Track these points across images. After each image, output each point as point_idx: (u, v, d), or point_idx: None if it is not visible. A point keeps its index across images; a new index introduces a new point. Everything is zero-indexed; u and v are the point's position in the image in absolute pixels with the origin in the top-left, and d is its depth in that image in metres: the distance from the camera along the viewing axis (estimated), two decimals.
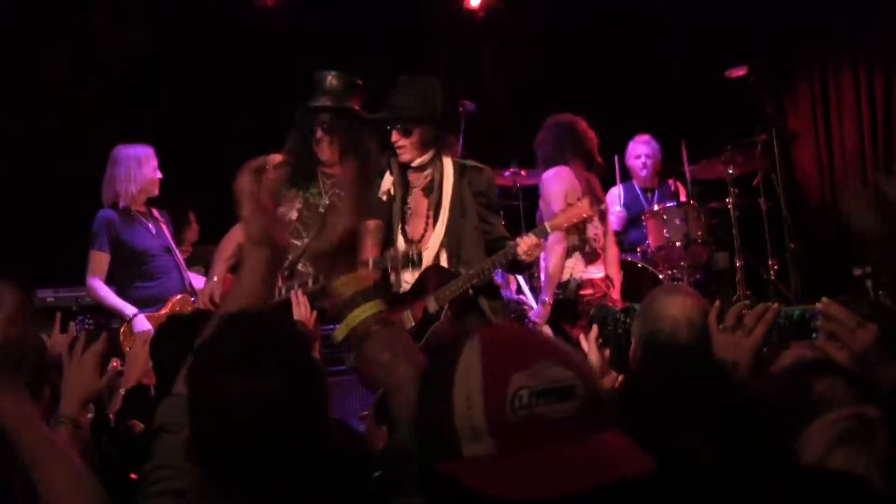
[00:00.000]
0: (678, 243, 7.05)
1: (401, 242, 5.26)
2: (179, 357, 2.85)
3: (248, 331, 1.83)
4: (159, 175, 6.12)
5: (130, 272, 6.02)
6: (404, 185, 5.30)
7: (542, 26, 8.68)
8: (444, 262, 5.24)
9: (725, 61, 7.45)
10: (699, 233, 7.07)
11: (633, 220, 7.57)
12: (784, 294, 7.18)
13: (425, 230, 5.27)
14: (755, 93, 7.13)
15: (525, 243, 4.98)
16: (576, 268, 6.10)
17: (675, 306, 3.09)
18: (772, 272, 7.25)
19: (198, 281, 6.30)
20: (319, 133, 5.47)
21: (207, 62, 8.17)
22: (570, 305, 6.08)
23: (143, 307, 5.91)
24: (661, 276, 6.79)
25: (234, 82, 8.10)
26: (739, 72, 7.26)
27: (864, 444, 1.79)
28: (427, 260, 5.25)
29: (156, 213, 6.22)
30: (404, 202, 5.30)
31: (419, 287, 5.19)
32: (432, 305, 5.13)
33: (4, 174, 7.69)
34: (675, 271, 7.12)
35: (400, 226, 5.27)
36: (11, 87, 7.81)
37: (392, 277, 5.24)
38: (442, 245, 5.25)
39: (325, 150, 5.49)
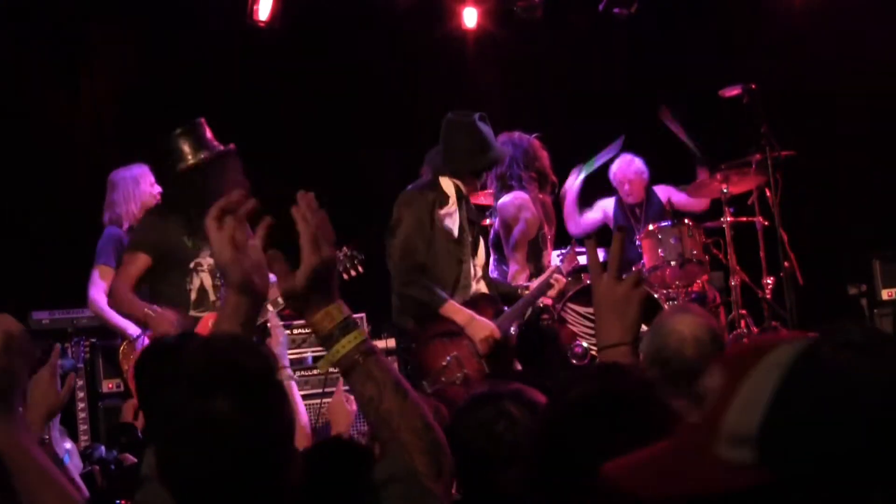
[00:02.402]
0: (673, 262, 7.06)
1: (468, 269, 5.50)
2: (163, 381, 2.85)
3: (207, 354, 1.83)
4: (158, 189, 6.12)
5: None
6: (464, 214, 5.51)
7: (535, 46, 8.71)
8: (484, 289, 5.55)
9: (719, 81, 7.47)
10: (694, 252, 7.08)
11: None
12: (779, 313, 7.18)
13: (474, 258, 5.51)
14: (749, 112, 7.15)
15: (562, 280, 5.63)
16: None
17: (683, 324, 3.18)
18: (767, 291, 7.25)
19: None
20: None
21: (201, 82, 8.18)
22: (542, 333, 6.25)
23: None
24: (656, 296, 6.79)
25: (227, 102, 8.10)
26: (733, 91, 7.27)
27: None
28: (476, 287, 5.54)
29: None
30: (464, 231, 5.51)
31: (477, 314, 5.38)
32: (498, 334, 5.35)
33: (1, 195, 7.68)
34: (670, 291, 7.12)
35: (466, 254, 5.50)
36: (7, 112, 7.81)
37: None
38: (484, 274, 5.49)
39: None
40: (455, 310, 5.27)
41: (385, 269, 6.04)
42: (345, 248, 5.75)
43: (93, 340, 6.54)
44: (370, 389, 1.95)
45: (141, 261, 5.28)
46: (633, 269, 7.26)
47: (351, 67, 8.63)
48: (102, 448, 3.63)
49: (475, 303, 5.41)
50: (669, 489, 1.25)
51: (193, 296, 5.31)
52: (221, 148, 5.29)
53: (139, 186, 6.15)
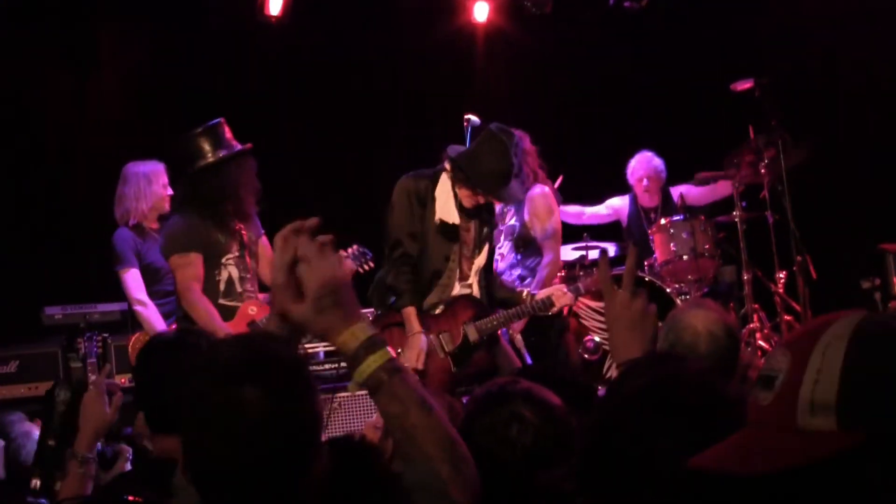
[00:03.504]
0: (685, 257, 7.05)
1: (454, 267, 5.49)
2: (163, 378, 2.86)
3: (235, 346, 1.86)
4: (170, 191, 6.14)
5: (146, 289, 6.04)
6: (463, 214, 5.48)
7: (544, 40, 8.69)
8: (476, 292, 5.55)
9: (731, 75, 7.44)
10: (706, 246, 7.07)
11: (637, 243, 7.61)
12: (792, 307, 7.16)
13: (471, 259, 5.46)
14: (761, 106, 7.12)
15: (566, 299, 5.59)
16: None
17: (698, 318, 3.25)
18: (779, 285, 7.23)
19: None
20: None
21: (210, 78, 8.18)
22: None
23: None
24: (668, 291, 6.78)
25: (237, 98, 8.10)
26: (745, 85, 7.24)
27: None
28: (467, 288, 5.54)
29: None
30: (462, 230, 5.50)
31: (451, 313, 5.46)
32: (473, 335, 5.43)
33: (13, 191, 7.71)
34: (682, 285, 7.11)
35: (458, 252, 5.48)
36: (17, 108, 7.83)
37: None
38: (479, 277, 5.47)
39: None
40: (409, 317, 5.38)
41: None
42: (354, 246, 5.79)
43: (105, 335, 6.54)
44: (396, 407, 1.93)
45: (198, 260, 5.39)
46: (645, 264, 7.26)
47: (361, 62, 8.62)
48: (130, 428, 3.64)
49: (453, 303, 5.47)
50: (758, 467, 1.32)
51: (222, 287, 5.46)
52: (239, 147, 5.42)
53: (151, 186, 6.15)
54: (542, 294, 5.60)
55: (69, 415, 3.16)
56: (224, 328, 5.24)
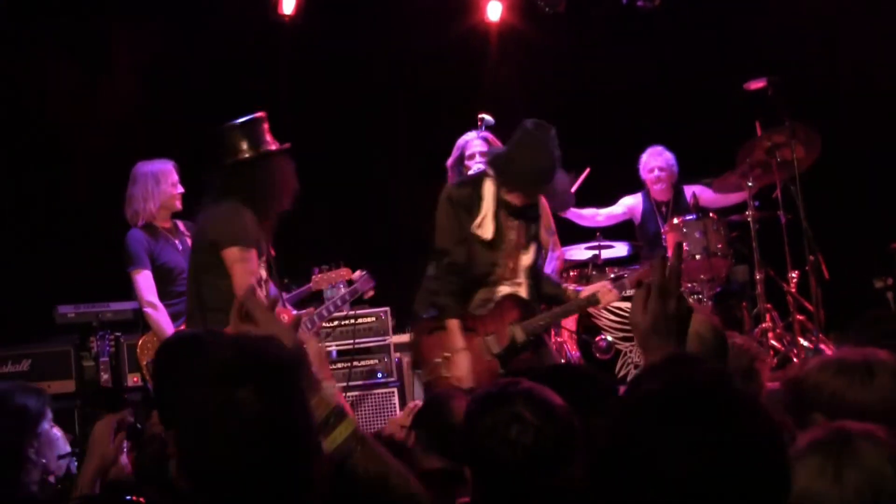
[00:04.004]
0: (698, 256, 7.04)
1: (503, 267, 5.45)
2: (178, 376, 2.88)
3: (231, 348, 1.90)
4: (180, 189, 6.13)
5: (158, 290, 6.03)
6: (509, 214, 5.43)
7: (557, 40, 8.68)
8: (525, 291, 5.46)
9: (743, 73, 7.42)
10: (719, 245, 7.06)
11: (652, 239, 7.61)
12: (804, 307, 7.14)
13: (518, 258, 5.44)
14: (774, 105, 7.10)
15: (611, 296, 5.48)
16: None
17: None
18: (792, 285, 7.21)
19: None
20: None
21: (222, 77, 8.20)
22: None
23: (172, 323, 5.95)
24: (680, 290, 6.76)
25: (248, 97, 8.12)
26: (758, 84, 7.22)
27: (843, 454, 1.80)
28: (516, 286, 5.48)
29: (181, 227, 6.22)
30: (509, 230, 5.45)
31: (498, 314, 5.40)
32: (520, 336, 5.35)
33: (24, 191, 7.73)
34: (694, 284, 7.10)
35: (501, 257, 5.44)
36: (28, 106, 7.86)
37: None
38: (527, 276, 5.44)
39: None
40: (453, 332, 5.30)
41: (407, 264, 6.04)
42: (363, 273, 5.81)
43: (118, 335, 6.57)
44: (373, 468, 2.05)
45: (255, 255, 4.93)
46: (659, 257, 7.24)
47: (374, 62, 8.63)
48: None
49: (500, 303, 5.41)
50: None
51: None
52: (275, 146, 5.11)
53: (159, 185, 6.13)
54: (586, 291, 5.52)
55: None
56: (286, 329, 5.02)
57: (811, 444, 1.83)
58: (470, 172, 5.97)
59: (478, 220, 5.32)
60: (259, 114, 5.16)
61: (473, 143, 6.30)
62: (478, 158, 6.18)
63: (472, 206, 5.34)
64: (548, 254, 6.49)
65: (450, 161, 6.39)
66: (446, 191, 5.50)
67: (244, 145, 5.01)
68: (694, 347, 3.15)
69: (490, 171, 5.39)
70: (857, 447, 1.81)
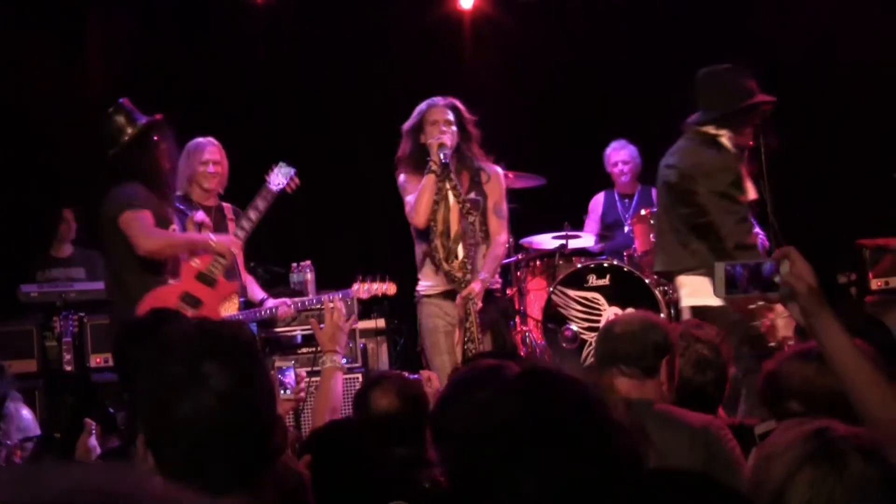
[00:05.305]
0: None
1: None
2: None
3: (193, 327, 1.98)
4: (212, 169, 5.93)
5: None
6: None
7: (531, 28, 8.68)
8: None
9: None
10: None
11: (609, 226, 7.71)
12: (769, 298, 7.17)
13: None
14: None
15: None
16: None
17: (624, 321, 3.42)
18: None
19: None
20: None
21: (199, 62, 8.17)
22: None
23: None
24: (647, 281, 6.80)
25: (223, 83, 8.10)
26: None
27: (834, 468, 1.79)
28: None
29: (227, 210, 6.07)
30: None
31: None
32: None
33: None
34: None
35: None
36: (5, 91, 7.83)
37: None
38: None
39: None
40: None
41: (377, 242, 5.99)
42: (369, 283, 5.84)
43: (81, 315, 6.55)
44: None
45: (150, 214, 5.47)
46: (625, 254, 7.28)
47: (347, 48, 8.61)
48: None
49: None
50: None
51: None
52: (149, 118, 5.50)
53: (188, 160, 5.92)
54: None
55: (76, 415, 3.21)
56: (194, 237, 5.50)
57: (802, 458, 1.82)
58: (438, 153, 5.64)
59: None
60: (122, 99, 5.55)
61: (438, 110, 5.77)
62: (442, 127, 5.70)
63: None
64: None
65: (406, 125, 5.91)
66: None
67: (124, 125, 5.41)
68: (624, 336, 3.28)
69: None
70: (847, 460, 1.80)
